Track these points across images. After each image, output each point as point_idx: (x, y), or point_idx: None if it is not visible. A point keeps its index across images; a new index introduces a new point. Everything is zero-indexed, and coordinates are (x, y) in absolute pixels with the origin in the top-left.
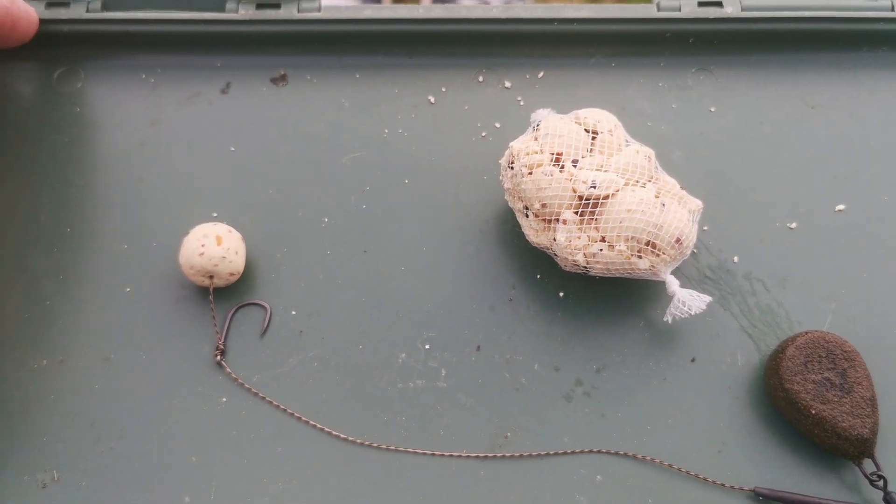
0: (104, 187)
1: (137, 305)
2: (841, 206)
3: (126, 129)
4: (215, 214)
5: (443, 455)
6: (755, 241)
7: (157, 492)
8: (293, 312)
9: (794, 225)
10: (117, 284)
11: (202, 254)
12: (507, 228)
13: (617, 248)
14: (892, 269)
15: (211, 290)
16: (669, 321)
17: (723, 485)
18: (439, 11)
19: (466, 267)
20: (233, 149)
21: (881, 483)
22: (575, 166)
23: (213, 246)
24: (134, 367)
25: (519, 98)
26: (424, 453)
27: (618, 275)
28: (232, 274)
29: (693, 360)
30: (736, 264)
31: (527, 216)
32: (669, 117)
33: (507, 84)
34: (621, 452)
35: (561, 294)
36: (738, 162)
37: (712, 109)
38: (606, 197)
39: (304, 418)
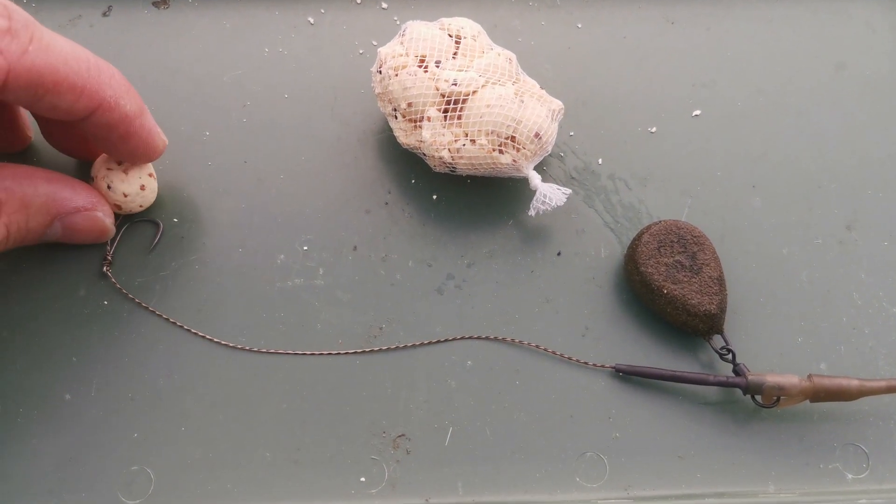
0: None
1: None
2: (697, 112)
3: None
4: None
5: (320, 354)
6: (618, 144)
7: (36, 390)
8: (175, 220)
9: (654, 129)
10: None
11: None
12: (383, 138)
13: (479, 142)
14: (741, 167)
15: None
16: (533, 214)
17: (586, 363)
18: None
19: (344, 174)
20: None
21: (730, 357)
22: (438, 67)
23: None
24: (13, 275)
25: (395, 18)
26: (302, 354)
27: (483, 172)
28: (142, 206)
29: (559, 254)
30: (600, 166)
31: (396, 118)
32: (539, 34)
33: (384, 5)
34: (490, 337)
35: (434, 197)
36: (602, 73)
37: (579, 26)
38: (468, 95)
39: (185, 327)
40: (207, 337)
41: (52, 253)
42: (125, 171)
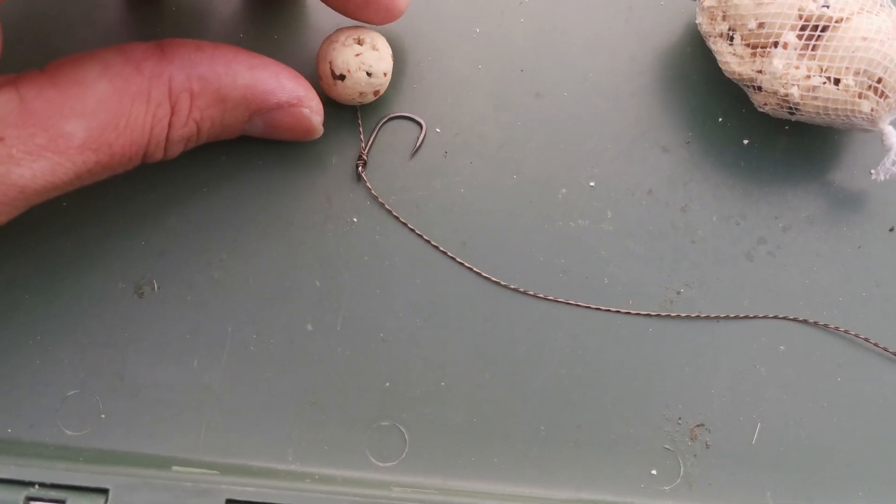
0: None
1: None
2: None
3: None
4: None
5: (608, 311)
6: None
7: (273, 317)
8: (437, 130)
9: None
10: None
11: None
12: (687, 61)
13: (843, 82)
14: None
15: (359, 115)
16: (881, 179)
17: None
18: None
19: (638, 100)
20: None
21: None
22: None
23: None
24: (249, 171)
25: None
26: (587, 307)
27: (826, 120)
28: (376, 92)
29: (892, 230)
30: None
31: (731, 41)
32: None
33: None
34: (810, 321)
35: (745, 141)
36: None
37: None
38: (839, 21)
39: (449, 254)
40: (475, 270)
41: (289, 149)
42: (374, 48)
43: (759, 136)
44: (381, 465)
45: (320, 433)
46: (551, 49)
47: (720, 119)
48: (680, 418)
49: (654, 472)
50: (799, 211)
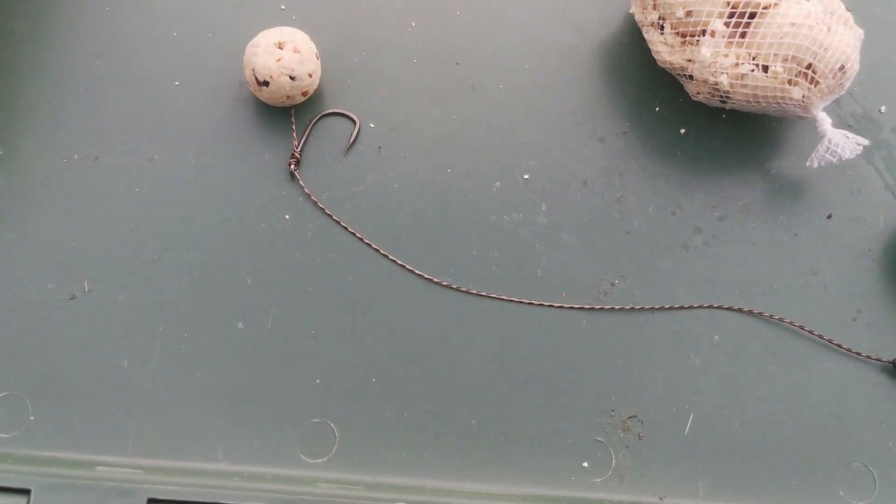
0: None
1: (187, 102)
2: None
3: None
4: (283, 7)
5: (540, 305)
6: None
7: (205, 316)
8: (372, 125)
9: None
10: (164, 76)
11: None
12: (626, 51)
13: (772, 69)
14: None
15: (292, 113)
16: (815, 166)
17: (858, 354)
18: None
19: (575, 91)
20: None
21: None
22: None
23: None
24: (182, 170)
25: None
26: (519, 302)
27: (758, 108)
28: (304, 93)
29: (829, 217)
30: (883, 115)
31: (661, 30)
32: None
33: None
34: (745, 310)
35: (682, 131)
36: None
37: None
38: (767, 7)
39: (382, 251)
40: (407, 267)
41: (223, 147)
42: (295, 50)
43: (696, 125)
44: (310, 461)
45: (251, 431)
46: (487, 41)
47: (657, 109)
48: (613, 410)
49: (585, 464)
50: (736, 200)
